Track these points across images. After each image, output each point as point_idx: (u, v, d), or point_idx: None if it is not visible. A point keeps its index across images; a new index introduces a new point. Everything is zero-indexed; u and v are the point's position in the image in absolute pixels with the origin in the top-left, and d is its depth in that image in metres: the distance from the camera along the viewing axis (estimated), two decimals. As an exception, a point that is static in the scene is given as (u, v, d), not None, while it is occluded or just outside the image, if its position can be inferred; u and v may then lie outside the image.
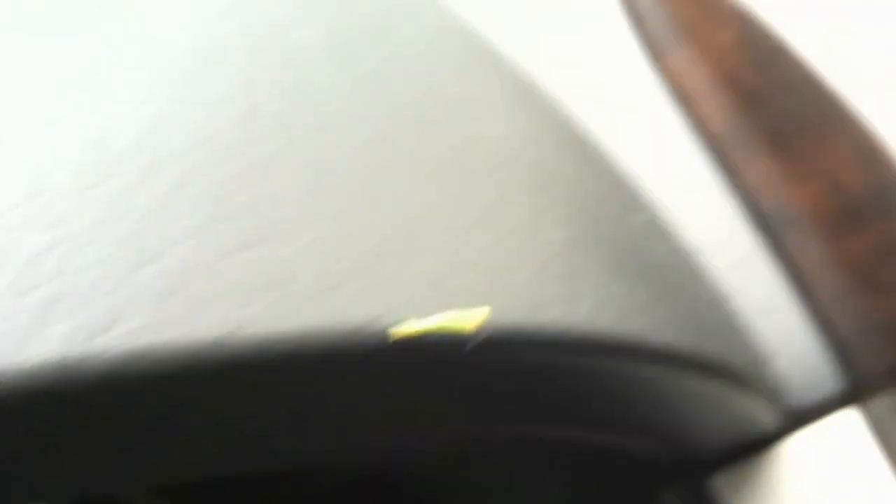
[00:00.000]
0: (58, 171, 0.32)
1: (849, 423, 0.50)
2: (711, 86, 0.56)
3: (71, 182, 0.31)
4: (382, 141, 0.40)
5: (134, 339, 0.28)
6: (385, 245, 0.35)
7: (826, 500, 0.49)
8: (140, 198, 0.32)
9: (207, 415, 0.31)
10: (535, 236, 0.40)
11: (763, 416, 0.49)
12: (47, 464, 0.29)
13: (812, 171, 0.52)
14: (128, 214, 0.31)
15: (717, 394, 0.45)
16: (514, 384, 0.38)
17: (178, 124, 0.34)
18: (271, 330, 0.30)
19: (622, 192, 0.52)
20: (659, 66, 0.58)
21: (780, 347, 0.50)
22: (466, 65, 0.50)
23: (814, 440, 0.50)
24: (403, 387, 0.36)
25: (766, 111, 0.54)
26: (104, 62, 0.37)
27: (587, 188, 0.48)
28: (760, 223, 0.54)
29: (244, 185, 0.34)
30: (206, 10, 0.40)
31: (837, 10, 0.56)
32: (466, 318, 0.33)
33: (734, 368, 0.46)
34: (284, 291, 0.32)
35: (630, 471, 0.49)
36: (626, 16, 0.60)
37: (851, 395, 0.50)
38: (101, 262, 0.30)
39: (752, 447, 0.50)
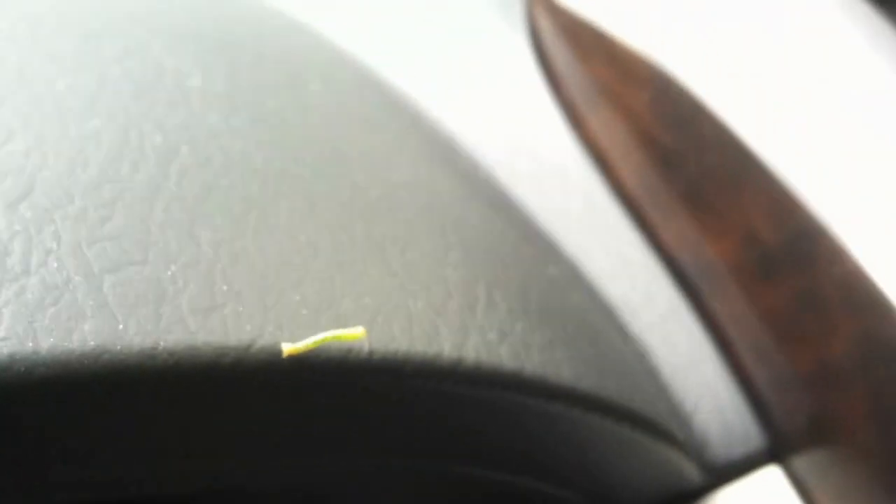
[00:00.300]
0: None
1: (771, 481, 0.48)
2: (627, 146, 0.56)
3: None
4: (276, 175, 0.40)
5: (4, 347, 0.28)
6: (270, 271, 0.35)
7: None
8: (23, 211, 0.32)
9: (81, 430, 0.31)
10: (433, 272, 0.40)
11: (685, 470, 0.47)
12: None
13: (728, 226, 0.52)
14: (10, 227, 0.31)
15: (632, 441, 0.44)
16: (406, 412, 0.37)
17: (55, 151, 0.35)
18: (146, 344, 0.30)
19: (538, 245, 0.51)
20: (576, 128, 0.58)
21: (701, 403, 0.49)
22: (376, 117, 0.50)
23: (736, 497, 0.48)
24: (290, 406, 0.35)
25: (681, 169, 0.54)
26: None
27: (496, 237, 0.47)
28: (679, 279, 0.53)
29: (126, 208, 0.34)
30: (98, 55, 0.41)
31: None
32: (350, 334, 0.34)
33: (649, 416, 0.44)
34: (164, 308, 0.32)
35: None
36: (544, 79, 0.60)
37: (773, 451, 0.49)
38: None
39: (674, 501, 0.48)
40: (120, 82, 0.40)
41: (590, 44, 0.58)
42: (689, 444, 0.47)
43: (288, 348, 0.33)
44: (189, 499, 0.39)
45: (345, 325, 0.35)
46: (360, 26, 0.59)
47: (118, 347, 0.30)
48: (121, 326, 0.30)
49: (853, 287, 0.47)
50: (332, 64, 0.52)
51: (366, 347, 0.34)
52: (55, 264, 0.31)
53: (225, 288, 0.33)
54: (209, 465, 0.35)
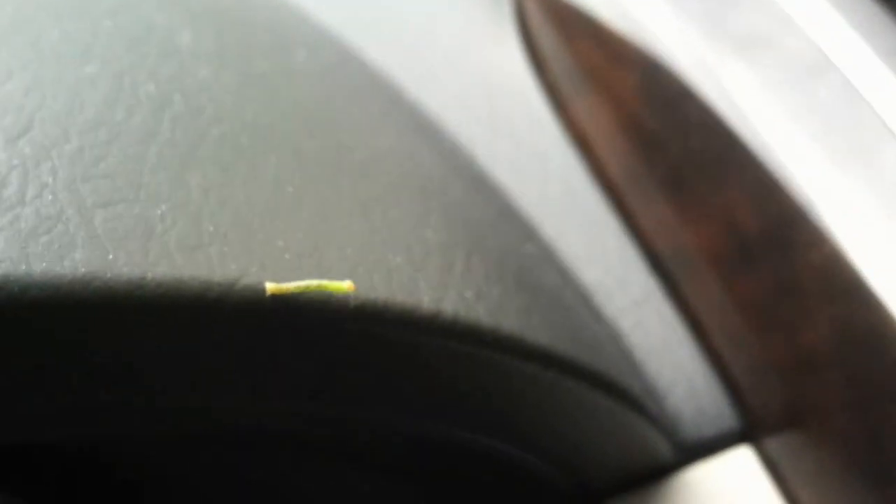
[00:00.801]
0: None
1: (742, 460, 0.48)
2: (611, 130, 0.57)
3: None
4: (264, 130, 0.40)
5: None
6: (256, 217, 0.36)
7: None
8: (22, 147, 0.33)
9: (68, 358, 0.32)
10: (413, 233, 0.41)
11: (657, 444, 0.47)
12: None
13: (707, 213, 0.52)
14: (8, 161, 0.33)
15: (606, 409, 0.44)
16: (383, 363, 0.38)
17: (52, 92, 0.36)
18: (135, 274, 0.31)
19: (515, 223, 0.51)
20: (560, 111, 0.58)
21: (675, 385, 0.50)
22: (360, 90, 0.50)
23: (707, 475, 0.48)
24: (269, 347, 0.35)
25: (665, 153, 0.54)
26: None
27: (475, 210, 0.48)
28: (655, 265, 0.54)
29: (120, 149, 0.35)
30: (90, 9, 0.42)
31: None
32: (337, 285, 0.35)
33: (623, 386, 0.44)
34: (152, 243, 0.33)
35: (530, 491, 0.48)
36: (529, 62, 0.60)
37: (745, 432, 0.49)
38: None
39: (645, 476, 0.49)
40: (113, 34, 0.41)
41: (577, 26, 0.58)
42: (662, 420, 0.47)
43: (271, 287, 0.33)
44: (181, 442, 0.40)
45: (327, 272, 0.35)
46: (342, 5, 0.59)
47: (108, 275, 0.31)
48: (110, 257, 0.31)
49: (831, 273, 0.47)
50: (317, 38, 0.52)
51: (374, 285, 0.36)
52: (50, 197, 0.32)
53: (211, 229, 0.34)
54: (191, 403, 0.35)
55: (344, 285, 0.34)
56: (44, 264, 0.30)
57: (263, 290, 0.33)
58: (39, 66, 0.37)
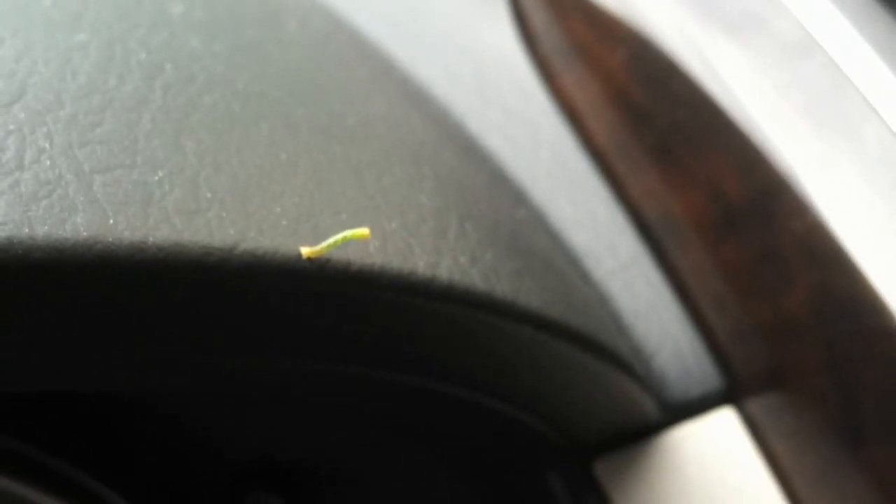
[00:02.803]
0: None
1: (726, 421, 0.50)
2: (600, 103, 0.58)
3: None
4: (256, 97, 0.41)
5: (1, 231, 0.30)
6: (252, 182, 0.37)
7: (702, 491, 0.49)
8: (16, 112, 0.34)
9: (70, 321, 0.32)
10: (408, 198, 0.41)
11: (643, 404, 0.49)
12: None
13: (694, 181, 0.54)
14: (4, 126, 0.33)
15: (595, 370, 0.45)
16: (378, 326, 0.38)
17: (44, 59, 0.36)
18: (136, 238, 0.32)
19: (506, 190, 0.52)
20: (549, 83, 0.60)
21: (661, 347, 0.51)
22: (351, 60, 0.51)
23: (692, 434, 0.50)
24: (268, 310, 0.36)
25: (652, 125, 0.56)
26: None
27: (467, 176, 0.48)
28: (642, 231, 0.55)
29: (114, 116, 0.36)
30: None
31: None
32: (358, 233, 0.35)
33: (612, 348, 0.46)
34: (151, 208, 0.33)
35: (524, 448, 0.49)
36: (519, 36, 0.61)
37: (728, 394, 0.50)
38: None
39: (632, 435, 0.50)
40: (103, 3, 0.41)
41: (568, 4, 0.60)
42: (649, 381, 0.49)
43: (306, 251, 0.34)
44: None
45: (323, 237, 0.36)
46: None
47: (110, 239, 0.31)
48: (111, 221, 0.32)
49: (813, 241, 0.48)
50: (307, 8, 0.53)
51: (370, 251, 0.36)
52: (48, 162, 0.32)
53: (209, 195, 0.35)
54: (191, 361, 0.36)
55: (364, 232, 0.35)
56: (46, 227, 0.30)
57: (264, 254, 0.34)
58: (30, 33, 0.37)
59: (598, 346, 0.45)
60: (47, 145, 0.33)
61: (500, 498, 0.52)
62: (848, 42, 0.52)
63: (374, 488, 0.54)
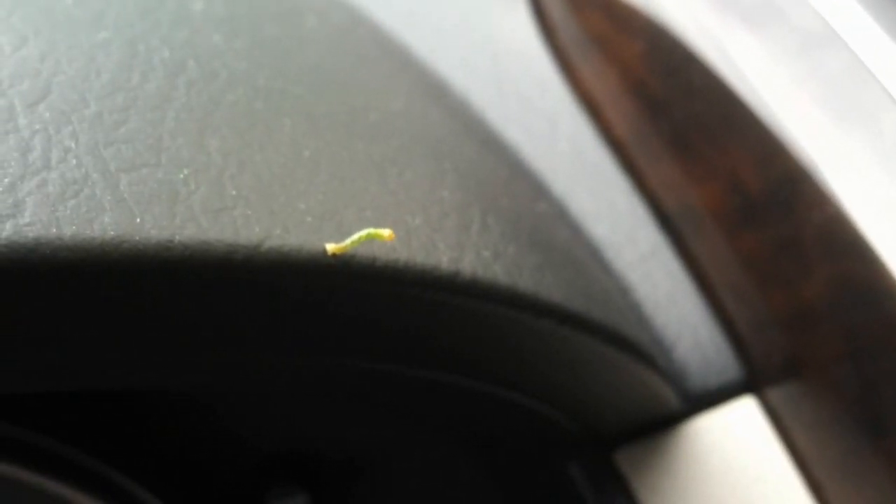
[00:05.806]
0: None
1: (746, 410, 0.50)
2: (618, 94, 0.58)
3: None
4: (279, 94, 0.41)
5: (27, 232, 0.30)
6: (276, 180, 0.37)
7: (723, 481, 0.49)
8: (42, 112, 0.34)
9: (98, 318, 0.32)
10: (430, 193, 0.42)
11: (664, 395, 0.49)
12: None
13: (712, 172, 0.54)
14: (30, 126, 0.33)
15: (617, 362, 0.46)
16: (404, 321, 0.39)
17: (67, 58, 0.36)
18: (163, 237, 0.32)
19: (527, 183, 0.53)
20: (568, 75, 0.60)
21: (681, 337, 0.51)
22: (371, 55, 0.51)
23: (713, 424, 0.50)
24: (296, 307, 0.36)
25: (670, 116, 0.56)
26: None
27: (488, 170, 0.49)
28: (662, 222, 0.55)
29: (138, 114, 0.36)
30: None
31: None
32: (381, 233, 0.35)
33: (633, 340, 0.46)
34: (177, 207, 0.33)
35: (546, 439, 0.50)
36: (537, 28, 0.62)
37: (748, 383, 0.51)
38: (5, 163, 0.32)
39: (653, 426, 0.50)
40: (125, 1, 0.41)
41: (586, -5, 0.60)
42: (670, 372, 0.49)
43: (332, 247, 0.35)
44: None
45: (347, 234, 0.36)
46: None
47: (136, 238, 0.31)
48: (138, 220, 0.32)
49: (832, 231, 0.49)
50: (326, 4, 0.53)
51: (394, 246, 0.36)
52: (74, 161, 0.32)
53: (234, 193, 0.35)
54: (217, 358, 0.36)
55: (386, 233, 0.35)
56: (74, 227, 0.30)
57: (289, 252, 0.34)
58: (53, 32, 0.37)
59: (620, 339, 0.45)
60: (73, 144, 0.33)
61: (522, 490, 0.53)
62: (866, 32, 0.52)
63: (396, 480, 0.55)
